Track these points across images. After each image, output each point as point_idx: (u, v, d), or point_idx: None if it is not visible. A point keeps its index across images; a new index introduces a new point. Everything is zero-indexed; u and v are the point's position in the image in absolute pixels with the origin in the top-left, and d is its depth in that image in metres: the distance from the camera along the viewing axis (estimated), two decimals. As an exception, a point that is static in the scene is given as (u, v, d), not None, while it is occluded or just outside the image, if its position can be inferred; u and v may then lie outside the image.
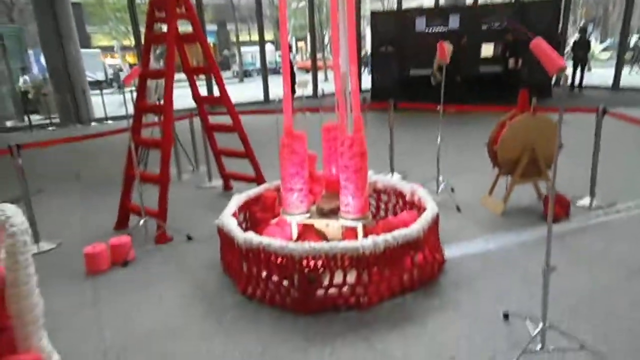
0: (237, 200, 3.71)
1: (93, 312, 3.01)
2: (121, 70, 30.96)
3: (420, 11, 13.74)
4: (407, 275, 2.95)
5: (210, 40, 34.09)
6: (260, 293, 2.95)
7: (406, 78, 12.22)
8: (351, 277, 2.80)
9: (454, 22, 12.05)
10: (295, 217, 3.31)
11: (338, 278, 2.78)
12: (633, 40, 22.00)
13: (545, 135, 4.03)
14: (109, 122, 12.39)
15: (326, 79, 24.18)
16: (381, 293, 2.85)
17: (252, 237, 2.89)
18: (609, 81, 13.35)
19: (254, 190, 3.95)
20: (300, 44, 40.25)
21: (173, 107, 4.04)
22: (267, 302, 2.92)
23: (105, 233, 4.29)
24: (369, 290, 2.80)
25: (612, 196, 4.46)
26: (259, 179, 4.91)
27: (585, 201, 4.37)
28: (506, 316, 2.65)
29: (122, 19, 25.03)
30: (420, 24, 12.31)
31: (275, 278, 2.85)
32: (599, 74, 16.55)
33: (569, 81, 13.14)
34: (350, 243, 2.71)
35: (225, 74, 23.56)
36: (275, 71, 28.23)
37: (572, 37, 17.14)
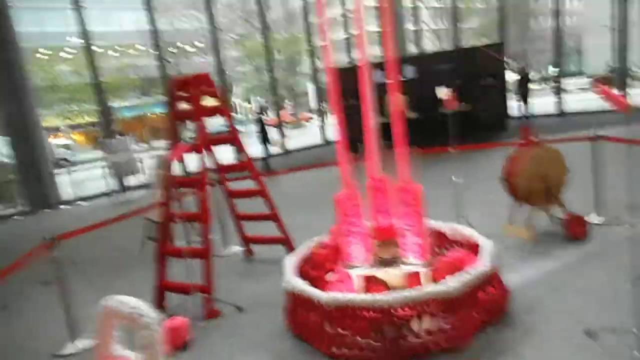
0: (291, 261, 3.74)
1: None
2: (69, 149, 30.06)
3: (376, 65, 14.58)
4: (485, 309, 3.08)
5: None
6: (347, 351, 2.96)
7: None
8: (436, 320, 2.89)
9: (409, 71, 12.96)
10: (359, 269, 3.40)
11: (427, 323, 2.86)
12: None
13: (554, 163, 4.43)
14: (81, 202, 11.92)
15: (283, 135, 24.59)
16: (467, 331, 2.95)
17: (337, 295, 2.93)
18: (546, 108, 14.79)
19: (303, 251, 3.97)
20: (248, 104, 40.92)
21: (207, 179, 4.09)
22: (357, 358, 2.93)
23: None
24: (457, 330, 2.89)
25: (616, 213, 4.82)
26: (286, 241, 4.93)
27: (594, 219, 4.76)
28: (588, 333, 2.83)
29: (73, 99, 24.66)
30: (378, 76, 13.10)
31: (364, 332, 2.88)
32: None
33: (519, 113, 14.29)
34: (438, 287, 2.84)
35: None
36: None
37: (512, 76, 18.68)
